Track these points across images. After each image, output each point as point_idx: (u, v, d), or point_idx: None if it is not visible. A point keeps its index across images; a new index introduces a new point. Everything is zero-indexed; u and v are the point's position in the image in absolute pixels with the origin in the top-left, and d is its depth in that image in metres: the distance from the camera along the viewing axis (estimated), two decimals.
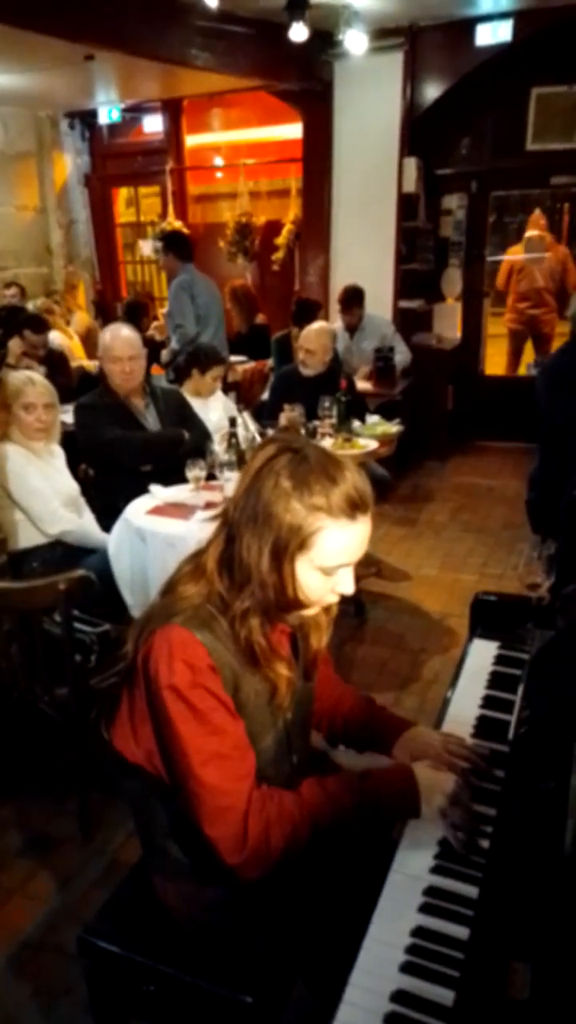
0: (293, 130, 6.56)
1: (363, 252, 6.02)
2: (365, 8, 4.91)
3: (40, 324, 5.01)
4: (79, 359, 6.02)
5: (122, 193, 8.26)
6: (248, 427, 3.18)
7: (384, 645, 3.50)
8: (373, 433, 3.83)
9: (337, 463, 1.17)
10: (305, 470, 1.14)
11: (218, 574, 1.21)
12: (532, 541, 2.02)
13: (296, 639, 1.35)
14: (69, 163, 7.76)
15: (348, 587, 1.21)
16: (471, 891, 1.11)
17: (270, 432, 3.11)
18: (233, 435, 3.05)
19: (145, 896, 1.40)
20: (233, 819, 1.17)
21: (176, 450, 3.19)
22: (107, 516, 2.97)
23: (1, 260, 7.20)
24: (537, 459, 3.41)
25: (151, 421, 3.30)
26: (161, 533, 2.64)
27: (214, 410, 3.84)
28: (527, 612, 1.81)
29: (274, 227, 6.90)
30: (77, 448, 3.28)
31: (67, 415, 3.37)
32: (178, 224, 7.23)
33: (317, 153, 6.08)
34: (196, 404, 3.65)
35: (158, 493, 2.94)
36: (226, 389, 4.54)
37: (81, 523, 2.96)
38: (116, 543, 2.78)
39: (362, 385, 5.03)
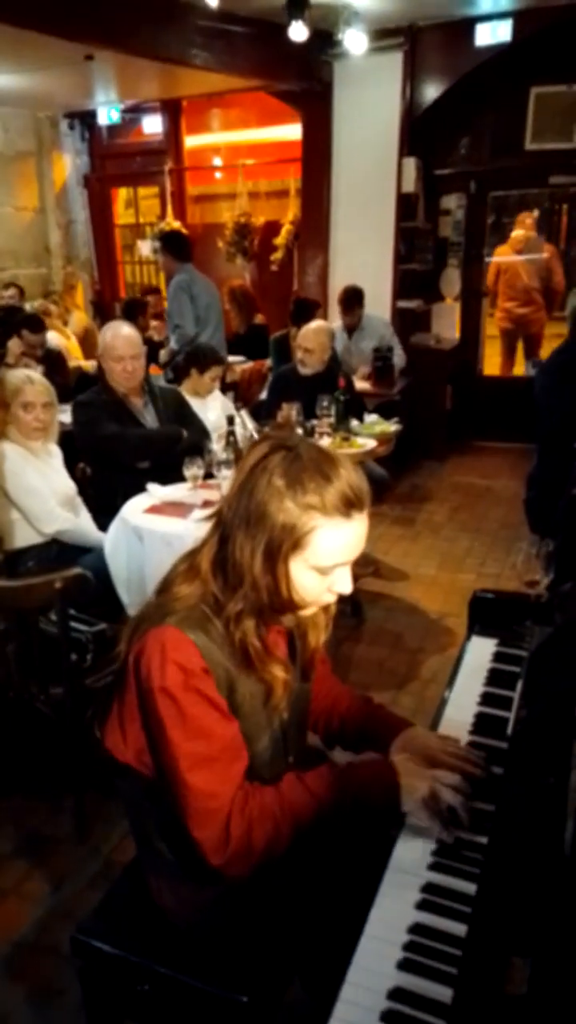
0: (292, 131, 6.56)
1: (362, 252, 6.02)
2: (365, 8, 4.91)
3: (38, 324, 5.00)
4: (76, 359, 6.01)
5: (121, 195, 8.26)
6: (246, 425, 3.17)
7: (382, 644, 3.49)
8: (371, 432, 3.82)
9: (331, 460, 1.15)
10: (298, 468, 1.12)
11: (212, 575, 1.19)
12: (531, 539, 2.01)
13: (293, 638, 1.33)
14: (68, 163, 7.76)
15: (345, 586, 1.19)
16: (469, 888, 1.09)
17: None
18: (231, 433, 3.04)
19: (139, 895, 1.38)
20: (217, 821, 1.16)
21: (174, 447, 3.18)
22: (104, 515, 2.96)
23: (0, 260, 7.20)
24: (535, 459, 3.41)
25: (149, 420, 3.29)
26: (158, 532, 2.63)
27: (212, 410, 3.83)
28: (525, 609, 1.80)
29: (273, 227, 6.89)
30: (75, 447, 3.27)
31: (65, 415, 3.36)
32: (177, 224, 7.22)
33: (316, 153, 6.08)
34: (194, 404, 3.64)
35: (155, 492, 2.93)
36: (224, 389, 4.53)
37: (78, 522, 2.95)
38: (112, 542, 2.77)
39: (360, 385, 5.02)
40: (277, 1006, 1.30)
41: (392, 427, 3.95)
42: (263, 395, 4.91)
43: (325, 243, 6.23)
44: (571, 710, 1.16)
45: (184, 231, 6.86)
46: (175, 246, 5.07)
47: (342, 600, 1.25)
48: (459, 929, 1.03)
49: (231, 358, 5.48)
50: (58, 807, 2.44)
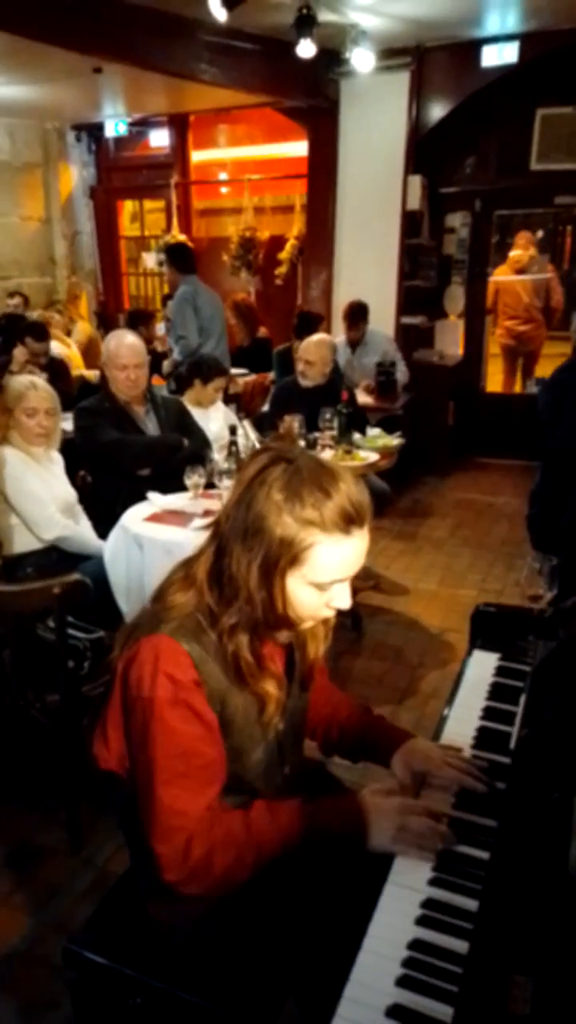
0: (298, 147, 6.62)
1: (366, 268, 6.05)
2: (372, 28, 4.96)
3: (42, 332, 5.02)
4: (78, 368, 6.02)
5: (127, 208, 8.31)
6: (249, 436, 3.17)
7: (382, 659, 3.47)
8: (374, 445, 3.82)
9: (332, 474, 1.12)
10: (298, 482, 1.10)
11: (208, 586, 1.18)
12: (535, 554, 2.00)
13: (292, 649, 1.31)
14: (75, 175, 7.82)
15: (344, 602, 1.17)
16: (470, 904, 1.07)
17: None
18: (233, 443, 3.04)
19: (134, 907, 1.36)
20: (179, 840, 1.14)
21: (175, 455, 3.18)
22: (105, 523, 2.95)
23: (5, 270, 7.23)
24: (538, 475, 3.40)
25: (151, 428, 3.29)
26: (159, 540, 2.61)
27: (214, 420, 3.82)
28: (528, 624, 1.78)
29: (278, 242, 6.94)
30: (76, 455, 3.27)
31: (67, 423, 3.36)
32: (182, 237, 7.26)
33: (322, 169, 6.13)
34: (196, 414, 3.64)
35: (156, 500, 2.92)
36: (227, 401, 4.53)
37: (78, 529, 2.93)
38: (112, 549, 2.76)
39: (363, 399, 5.03)
40: (272, 1022, 1.27)
41: (395, 441, 3.94)
42: (265, 407, 4.91)
43: (329, 258, 6.26)
44: None
45: (189, 244, 6.90)
46: (179, 258, 5.10)
47: (342, 613, 1.23)
48: (460, 946, 1.01)
49: (234, 371, 5.49)
50: (51, 817, 2.41)
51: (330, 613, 1.20)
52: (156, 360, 5.06)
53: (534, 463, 3.52)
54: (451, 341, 6.68)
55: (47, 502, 2.82)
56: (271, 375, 5.59)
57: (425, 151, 5.84)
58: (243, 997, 1.21)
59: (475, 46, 5.34)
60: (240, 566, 1.12)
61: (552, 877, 0.94)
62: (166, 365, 5.26)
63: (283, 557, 1.10)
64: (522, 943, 0.90)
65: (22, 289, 6.83)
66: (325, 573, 1.12)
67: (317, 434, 3.65)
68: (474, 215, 6.39)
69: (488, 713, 1.55)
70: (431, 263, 6.46)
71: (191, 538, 2.52)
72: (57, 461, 3.02)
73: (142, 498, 2.94)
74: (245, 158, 7.36)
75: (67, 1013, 1.64)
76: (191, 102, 6.68)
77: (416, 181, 5.79)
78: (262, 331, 6.42)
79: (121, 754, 1.24)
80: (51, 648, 2.21)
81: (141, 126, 7.55)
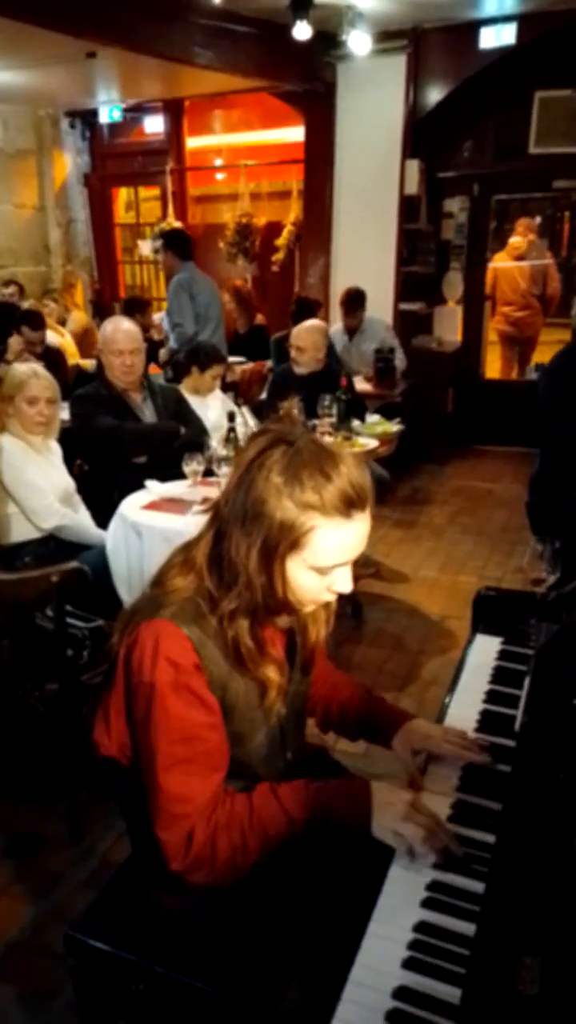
0: (294, 133, 6.56)
1: (364, 254, 6.01)
2: (369, 9, 4.91)
3: (38, 320, 4.99)
4: (73, 358, 5.98)
5: (121, 196, 8.24)
6: (248, 423, 3.15)
7: (382, 646, 3.46)
8: (373, 432, 3.80)
9: (333, 457, 1.10)
10: (298, 464, 1.08)
11: (207, 570, 1.16)
12: (537, 537, 1.99)
13: (293, 633, 1.30)
14: (69, 162, 7.74)
15: (345, 586, 1.16)
16: (475, 886, 1.06)
17: None
18: (232, 430, 3.01)
19: (135, 893, 1.35)
20: (182, 826, 1.13)
21: (171, 443, 3.17)
22: (101, 511, 2.94)
23: None
24: (538, 461, 3.38)
25: (148, 416, 3.28)
26: (157, 527, 2.60)
27: (212, 408, 3.80)
28: (530, 607, 1.77)
29: (275, 228, 6.88)
30: (73, 443, 3.24)
31: (63, 412, 3.34)
32: (178, 224, 7.21)
33: (319, 154, 6.08)
34: (194, 402, 3.61)
35: (154, 488, 2.90)
36: (224, 389, 4.51)
37: (76, 518, 2.92)
38: (113, 539, 2.74)
39: (361, 386, 5.00)
40: (276, 1008, 1.26)
41: (394, 427, 3.93)
42: (263, 396, 4.88)
43: (327, 244, 6.22)
44: None
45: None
46: (177, 244, 5.06)
47: (342, 601, 1.21)
48: (466, 928, 1.00)
49: (231, 359, 5.46)
50: (52, 806, 2.40)
51: (331, 597, 1.19)
52: (152, 348, 5.03)
53: (534, 450, 3.51)
54: (450, 327, 6.65)
55: (46, 491, 2.80)
56: (268, 363, 5.56)
57: (423, 135, 5.79)
58: (246, 982, 1.20)
59: (473, 27, 5.28)
60: (240, 550, 1.11)
61: (559, 857, 0.93)
62: (162, 353, 5.23)
63: (283, 541, 1.08)
64: (530, 923, 0.89)
65: (17, 278, 6.77)
66: (326, 557, 1.10)
67: (315, 421, 3.62)
68: (472, 200, 6.34)
69: (491, 696, 1.54)
70: (429, 248, 6.41)
71: (190, 525, 2.50)
72: (55, 451, 3.00)
73: (139, 486, 2.92)
74: (241, 144, 7.30)
75: (69, 1001, 1.64)
76: (186, 87, 6.61)
77: (414, 165, 5.75)
78: (259, 319, 6.38)
79: (123, 741, 1.23)
80: (50, 637, 2.19)
81: (136, 112, 7.47)
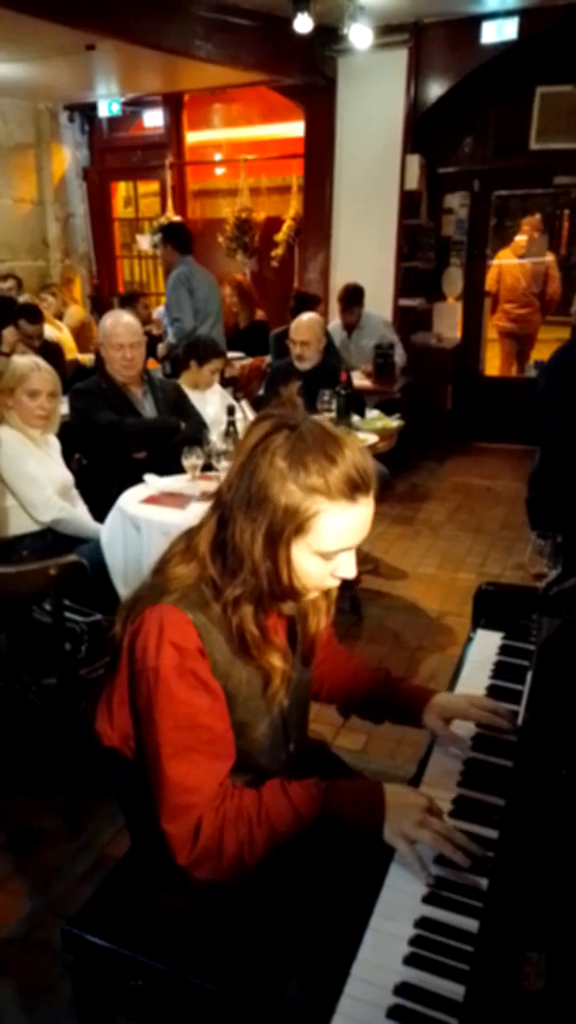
0: (294, 128, 6.53)
1: (364, 249, 5.98)
2: (370, 3, 4.87)
3: (35, 314, 4.96)
4: (71, 352, 5.96)
5: (120, 191, 8.21)
6: (247, 417, 3.13)
7: (380, 643, 3.45)
8: (373, 427, 3.78)
9: (336, 441, 1.10)
10: (302, 449, 1.07)
11: (210, 557, 1.15)
12: (537, 533, 1.98)
13: (294, 623, 1.29)
14: (68, 156, 7.70)
15: (350, 571, 1.15)
16: (479, 881, 1.05)
17: None
18: (232, 424, 3.00)
19: (134, 888, 1.34)
20: (189, 817, 1.11)
21: (170, 437, 3.16)
22: (99, 505, 2.92)
23: None
24: (537, 458, 3.38)
25: (148, 410, 3.26)
26: (156, 521, 2.58)
27: (211, 403, 3.78)
28: (531, 602, 1.76)
29: (274, 223, 6.85)
30: (71, 437, 3.23)
31: (63, 406, 3.32)
32: (177, 219, 7.18)
33: (319, 149, 6.05)
34: (193, 397, 3.60)
35: (153, 483, 2.88)
36: (224, 385, 4.49)
37: (75, 512, 2.91)
38: (109, 532, 2.73)
39: (360, 382, 4.98)
40: (274, 1005, 1.25)
41: (394, 423, 3.91)
42: (262, 391, 4.86)
43: (327, 240, 6.20)
44: None
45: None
46: (177, 237, 5.03)
47: (341, 597, 1.20)
48: (468, 924, 0.99)
49: (230, 354, 5.44)
50: (50, 801, 2.39)
51: (335, 583, 1.18)
52: (151, 343, 5.00)
53: (533, 447, 3.50)
54: (449, 324, 6.63)
55: (45, 484, 2.79)
56: (268, 359, 5.54)
57: (423, 130, 5.77)
58: (245, 978, 1.19)
59: (474, 22, 5.26)
60: (244, 536, 1.10)
61: (563, 852, 0.92)
62: (161, 348, 5.20)
63: (288, 526, 1.07)
64: (534, 919, 0.88)
65: (15, 272, 6.74)
66: (331, 542, 1.10)
67: (315, 416, 3.61)
68: (473, 195, 6.32)
69: (493, 692, 1.54)
70: (429, 244, 6.40)
71: (190, 519, 2.48)
72: (54, 445, 2.98)
73: (138, 481, 2.91)
74: (241, 138, 7.27)
75: (67, 996, 1.63)
76: (186, 81, 6.58)
77: (414, 160, 5.72)
78: (259, 314, 6.36)
79: (125, 731, 1.21)
80: (47, 631, 2.18)
81: (135, 106, 7.44)
